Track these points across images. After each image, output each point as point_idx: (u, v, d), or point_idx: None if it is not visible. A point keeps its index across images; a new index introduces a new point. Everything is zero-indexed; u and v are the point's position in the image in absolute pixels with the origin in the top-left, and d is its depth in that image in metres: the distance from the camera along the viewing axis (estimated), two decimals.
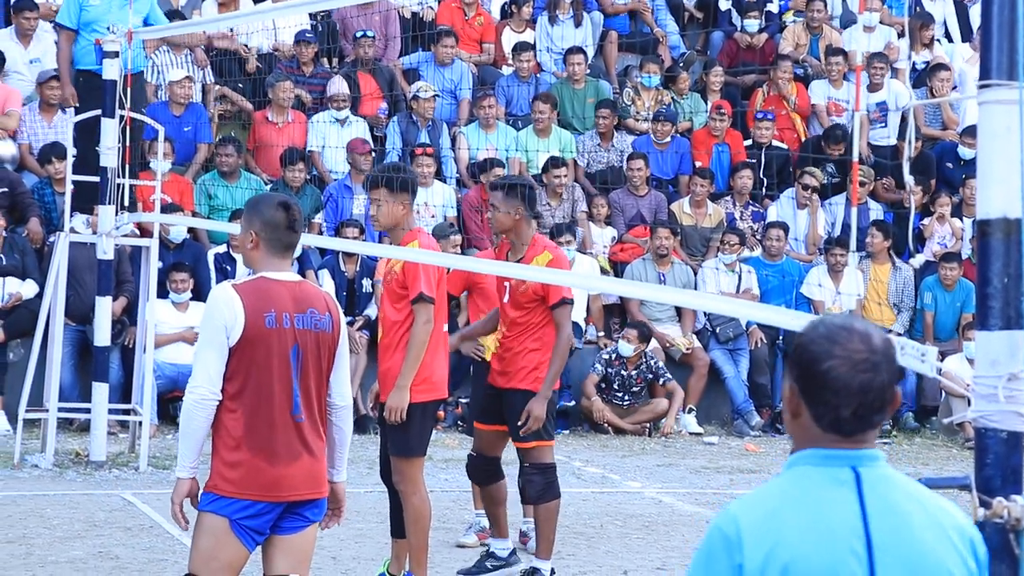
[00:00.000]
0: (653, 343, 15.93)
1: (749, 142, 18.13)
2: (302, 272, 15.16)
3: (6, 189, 15.28)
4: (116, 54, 13.34)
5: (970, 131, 16.80)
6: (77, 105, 15.37)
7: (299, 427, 6.73)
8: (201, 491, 6.65)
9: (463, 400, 13.67)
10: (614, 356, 15.74)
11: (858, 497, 3.40)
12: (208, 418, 6.74)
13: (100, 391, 12.98)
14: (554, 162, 16.65)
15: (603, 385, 15.75)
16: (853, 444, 3.44)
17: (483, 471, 9.88)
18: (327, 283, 15.55)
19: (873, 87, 18.46)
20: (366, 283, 15.69)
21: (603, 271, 16.46)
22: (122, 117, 13.39)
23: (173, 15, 17.84)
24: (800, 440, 3.42)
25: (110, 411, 13.71)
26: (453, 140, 17.23)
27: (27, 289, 14.89)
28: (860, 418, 3.39)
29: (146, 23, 15.43)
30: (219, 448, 6.70)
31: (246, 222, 6.83)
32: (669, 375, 15.83)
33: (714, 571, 3.37)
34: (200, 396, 6.63)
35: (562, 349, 9.66)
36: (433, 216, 15.96)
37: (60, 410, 13.27)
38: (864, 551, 3.36)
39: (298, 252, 14.74)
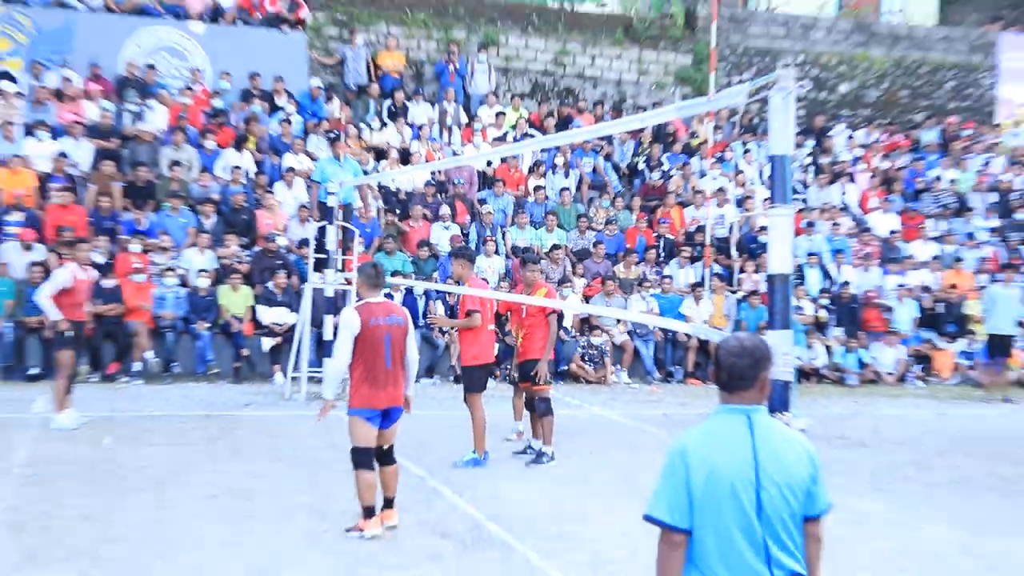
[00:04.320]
0: (604, 337, 16.59)
1: (656, 234, 19.03)
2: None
3: (282, 261, 15.96)
4: (334, 194, 13.75)
5: (764, 228, 17.60)
6: (316, 218, 15.69)
7: (387, 371, 7.46)
8: (348, 405, 7.44)
9: (507, 367, 12.94)
10: (587, 344, 16.36)
11: (749, 430, 3.63)
12: (341, 372, 7.43)
13: (327, 362, 12.09)
14: (554, 247, 17.44)
15: (583, 359, 16.20)
16: (743, 402, 3.66)
17: (530, 403, 10.38)
18: (440, 308, 16.09)
19: (720, 203, 19.25)
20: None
21: (584, 300, 16.74)
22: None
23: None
24: (721, 399, 3.71)
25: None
26: (503, 235, 18.08)
27: (291, 318, 14.96)
28: (730, 381, 3.67)
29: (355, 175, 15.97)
30: (354, 384, 7.43)
31: (359, 276, 7.83)
32: (608, 353, 16.51)
33: (675, 473, 3.62)
34: (341, 363, 7.34)
35: (552, 337, 10.28)
36: (494, 273, 16.91)
37: (309, 371, 13.55)
38: (752, 458, 3.60)
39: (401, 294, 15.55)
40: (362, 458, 7.51)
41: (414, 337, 7.79)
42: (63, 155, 16.30)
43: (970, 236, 20.76)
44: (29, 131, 16.67)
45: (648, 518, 3.68)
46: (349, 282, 13.32)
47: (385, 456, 7.75)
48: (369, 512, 7.53)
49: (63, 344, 11.30)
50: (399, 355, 7.57)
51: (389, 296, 15.39)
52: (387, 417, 7.59)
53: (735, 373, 3.65)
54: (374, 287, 7.70)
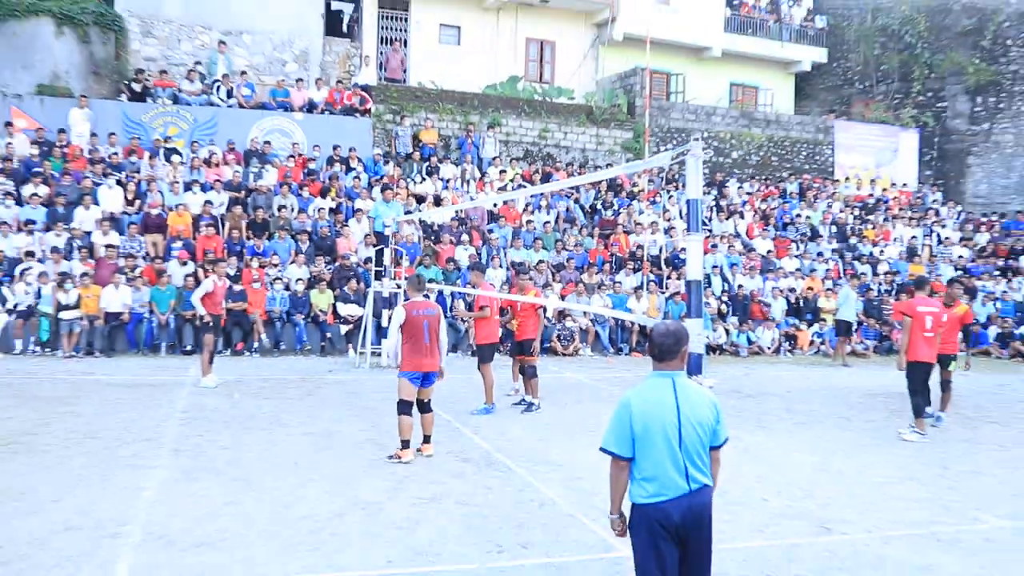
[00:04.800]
0: (574, 323, 16.31)
1: (609, 253, 18.57)
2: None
3: (353, 272, 15.65)
4: (388, 227, 13.60)
5: (683, 249, 16.49)
6: (375, 243, 15.65)
7: (426, 346, 7.43)
8: (399, 370, 7.50)
9: (507, 344, 12.92)
10: (562, 328, 16.06)
11: (673, 388, 3.62)
12: (397, 347, 7.60)
13: (384, 340, 12.67)
14: (540, 262, 17.09)
15: (559, 338, 15.87)
16: (669, 368, 3.63)
17: (523, 369, 10.20)
18: (461, 304, 15.50)
19: (653, 232, 19.07)
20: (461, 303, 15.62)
21: (561, 298, 16.26)
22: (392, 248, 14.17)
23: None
24: (654, 367, 3.70)
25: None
26: (505, 254, 17.64)
27: (359, 311, 14.63)
28: (661, 354, 3.65)
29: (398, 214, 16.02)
30: (403, 356, 7.46)
31: (408, 283, 7.87)
32: (577, 334, 16.24)
33: (622, 418, 3.61)
34: (394, 344, 7.96)
35: (541, 325, 10.29)
36: (499, 280, 16.29)
37: (372, 348, 13.42)
38: (675, 407, 3.59)
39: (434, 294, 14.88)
40: (403, 407, 7.43)
41: (444, 324, 7.69)
42: (209, 202, 16.23)
43: (820, 254, 20.59)
44: (187, 187, 16.67)
45: (602, 449, 3.69)
46: (399, 287, 13.14)
47: (425, 407, 7.70)
48: (405, 444, 7.46)
49: (206, 330, 11.30)
50: (435, 335, 7.48)
51: (426, 296, 15.15)
52: (426, 379, 7.53)
53: (664, 349, 3.61)
54: (418, 290, 7.67)
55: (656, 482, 3.52)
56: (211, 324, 11.27)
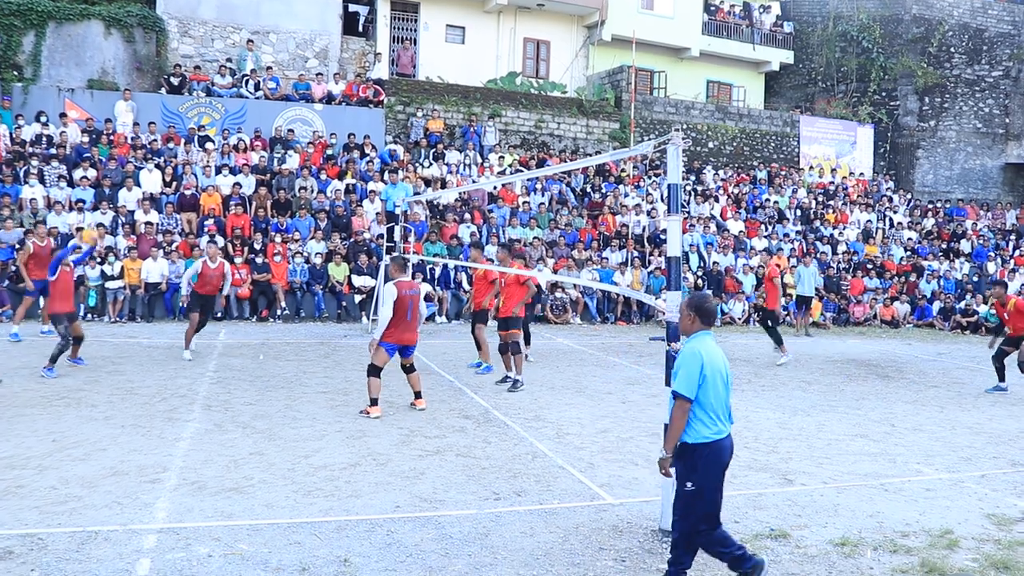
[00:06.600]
0: (565, 294, 16.09)
1: (597, 232, 18.33)
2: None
3: (366, 247, 15.38)
4: (397, 207, 13.51)
5: (664, 229, 16.57)
6: (385, 221, 15.61)
7: (408, 323, 7.33)
8: (380, 340, 7.24)
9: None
10: (555, 299, 15.92)
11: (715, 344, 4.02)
12: (387, 321, 7.19)
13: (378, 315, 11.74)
14: (535, 239, 16.74)
15: (552, 309, 15.71)
16: (709, 328, 4.00)
17: (504, 348, 9.24)
18: (463, 278, 15.58)
19: (637, 213, 18.86)
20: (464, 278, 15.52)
21: (553, 272, 15.78)
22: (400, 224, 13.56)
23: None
24: (691, 331, 3.95)
25: None
26: (503, 231, 17.36)
27: (372, 283, 14.42)
28: (709, 318, 3.97)
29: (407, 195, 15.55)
30: (388, 328, 7.21)
31: (393, 262, 7.40)
32: (568, 304, 16.09)
33: (694, 367, 3.81)
34: (385, 317, 7.14)
35: (526, 298, 9.29)
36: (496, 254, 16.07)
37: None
38: (724, 360, 3.93)
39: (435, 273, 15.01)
40: (374, 371, 7.36)
41: (422, 300, 7.76)
42: (238, 184, 16.13)
43: (786, 235, 20.55)
44: (219, 170, 16.59)
45: (675, 392, 3.85)
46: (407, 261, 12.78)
47: (409, 368, 7.60)
48: (374, 402, 7.37)
49: (191, 309, 10.44)
50: (415, 312, 7.43)
51: (431, 270, 15.14)
52: (405, 350, 7.43)
53: (712, 314, 3.95)
54: (402, 270, 7.41)
55: (718, 422, 3.77)
56: (196, 303, 10.30)
